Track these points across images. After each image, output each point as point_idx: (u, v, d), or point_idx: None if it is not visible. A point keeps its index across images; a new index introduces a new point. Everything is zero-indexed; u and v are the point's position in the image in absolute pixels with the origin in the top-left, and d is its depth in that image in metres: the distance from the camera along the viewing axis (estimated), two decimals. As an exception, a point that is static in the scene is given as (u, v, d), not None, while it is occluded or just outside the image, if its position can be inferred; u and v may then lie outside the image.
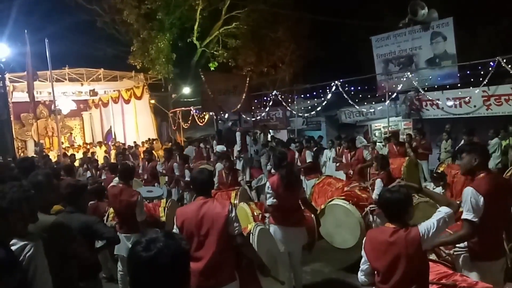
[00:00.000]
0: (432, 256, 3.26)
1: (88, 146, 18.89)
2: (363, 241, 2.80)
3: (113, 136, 20.83)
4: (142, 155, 12.86)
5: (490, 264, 3.08)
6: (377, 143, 11.63)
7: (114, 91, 19.81)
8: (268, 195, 4.52)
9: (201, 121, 18.26)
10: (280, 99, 15.19)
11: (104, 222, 4.94)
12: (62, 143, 18.64)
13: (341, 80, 13.30)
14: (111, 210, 5.36)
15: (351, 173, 7.63)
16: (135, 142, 17.55)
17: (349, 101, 13.34)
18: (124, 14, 18.92)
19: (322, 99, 14.96)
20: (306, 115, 16.07)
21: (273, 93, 15.65)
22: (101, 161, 12.11)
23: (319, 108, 14.95)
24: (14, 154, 13.94)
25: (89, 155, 14.36)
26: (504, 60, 10.26)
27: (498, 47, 14.76)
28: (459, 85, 12.49)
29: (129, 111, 19.81)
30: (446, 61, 13.33)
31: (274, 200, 4.44)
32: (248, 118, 16.41)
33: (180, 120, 18.77)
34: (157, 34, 19.57)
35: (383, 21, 17.00)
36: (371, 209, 5.47)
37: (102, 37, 21.57)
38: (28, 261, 2.24)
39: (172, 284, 1.47)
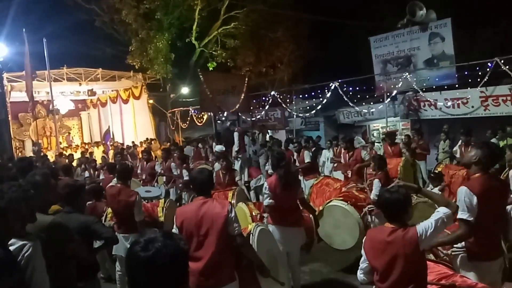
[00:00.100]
0: (430, 256, 3.27)
1: (86, 146, 18.87)
2: (363, 240, 2.82)
3: (112, 136, 20.80)
4: (140, 155, 12.85)
5: (487, 264, 3.09)
6: (375, 143, 11.65)
7: (112, 91, 19.79)
8: (265, 196, 4.53)
9: (199, 121, 18.26)
10: (278, 99, 15.20)
11: (102, 222, 4.93)
12: (60, 143, 18.62)
13: (339, 81, 13.32)
14: (109, 210, 5.34)
15: (349, 173, 7.63)
16: (133, 142, 17.53)
17: (348, 101, 13.35)
18: (123, 13, 18.92)
19: (321, 99, 14.96)
20: (305, 115, 16.08)
21: (272, 93, 15.65)
22: (99, 161, 12.09)
23: (318, 108, 14.95)
24: (12, 154, 13.92)
25: (87, 155, 14.35)
26: (502, 61, 10.29)
27: (497, 48, 14.80)
28: (457, 85, 12.51)
29: (127, 111, 19.79)
30: (444, 62, 13.37)
31: (271, 201, 4.45)
32: (246, 118, 16.41)
33: (179, 120, 18.77)
34: (155, 34, 19.57)
35: (382, 22, 17.03)
36: (370, 209, 5.48)
37: (101, 37, 21.58)
38: (27, 261, 2.24)
39: (171, 284, 1.47)
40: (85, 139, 22.11)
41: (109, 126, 21.34)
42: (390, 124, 13.93)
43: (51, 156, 15.54)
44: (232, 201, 6.38)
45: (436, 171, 6.61)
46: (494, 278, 3.10)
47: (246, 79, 14.70)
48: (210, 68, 21.64)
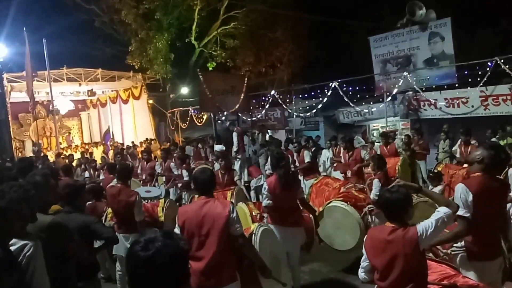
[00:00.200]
0: (431, 256, 3.26)
1: (86, 146, 18.87)
2: (364, 239, 2.84)
3: (111, 136, 20.80)
4: (140, 155, 12.85)
5: (487, 264, 3.09)
6: (375, 143, 11.64)
7: (112, 91, 19.80)
8: (264, 196, 4.52)
9: (199, 121, 18.26)
10: (278, 99, 15.20)
11: (102, 222, 4.93)
12: (60, 143, 18.62)
13: (339, 80, 13.30)
14: (109, 210, 5.34)
15: (349, 173, 7.63)
16: (133, 142, 17.52)
17: (348, 101, 13.35)
18: (122, 14, 18.91)
19: (320, 99, 14.94)
20: (305, 115, 16.08)
21: (271, 93, 15.65)
22: (99, 161, 12.09)
23: (318, 108, 14.95)
24: (12, 154, 13.93)
25: (87, 155, 14.35)
26: (502, 61, 10.29)
27: (497, 47, 14.80)
28: (457, 85, 12.51)
29: (127, 111, 19.79)
30: (444, 61, 13.37)
31: (270, 201, 4.44)
32: (246, 118, 16.41)
33: (178, 120, 18.76)
34: (155, 34, 19.56)
35: (382, 22, 17.03)
36: (370, 209, 5.48)
37: (100, 37, 21.58)
38: (27, 261, 2.24)
39: (171, 283, 1.47)
40: (85, 139, 22.10)
41: (109, 126, 21.34)
42: (390, 124, 13.94)
43: (51, 156, 15.55)
44: (231, 201, 6.37)
45: (436, 171, 6.61)
46: (493, 277, 3.10)
47: (246, 79, 14.70)
48: (210, 68, 21.63)
